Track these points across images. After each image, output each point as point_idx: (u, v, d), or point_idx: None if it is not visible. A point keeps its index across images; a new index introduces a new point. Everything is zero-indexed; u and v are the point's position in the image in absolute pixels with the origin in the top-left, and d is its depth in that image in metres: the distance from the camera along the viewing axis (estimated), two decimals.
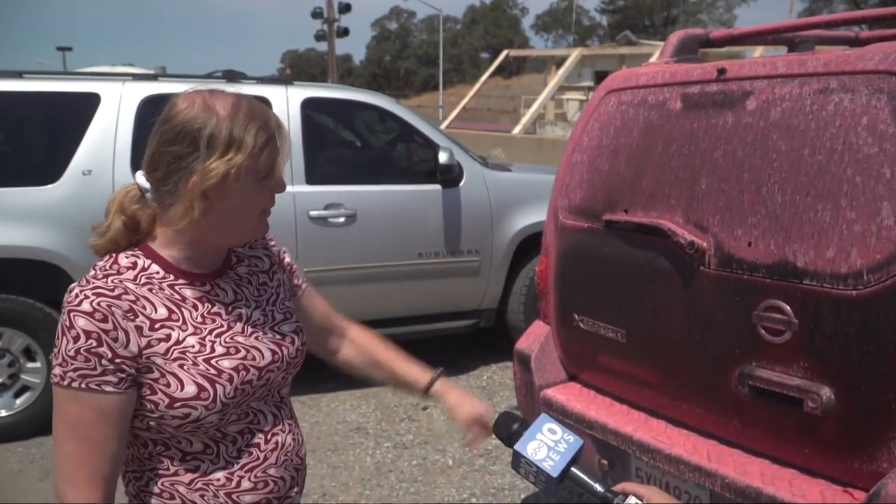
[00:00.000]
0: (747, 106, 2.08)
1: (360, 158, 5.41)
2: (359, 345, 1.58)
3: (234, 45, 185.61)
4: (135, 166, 4.00)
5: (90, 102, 4.03)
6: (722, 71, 2.19)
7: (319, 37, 28.41)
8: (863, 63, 1.86)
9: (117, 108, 4.04)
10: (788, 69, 2.03)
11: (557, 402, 2.58)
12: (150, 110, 4.07)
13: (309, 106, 4.50)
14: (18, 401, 3.96)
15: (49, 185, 3.89)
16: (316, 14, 27.57)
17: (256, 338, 1.28)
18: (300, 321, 1.40)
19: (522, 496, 3.41)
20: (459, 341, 5.48)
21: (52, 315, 3.93)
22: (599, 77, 23.21)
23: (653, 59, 2.98)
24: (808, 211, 1.87)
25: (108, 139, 4.00)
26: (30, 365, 3.96)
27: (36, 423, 3.95)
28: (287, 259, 1.47)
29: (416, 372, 1.54)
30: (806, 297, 1.86)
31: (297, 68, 68.59)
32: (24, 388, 3.97)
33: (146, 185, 1.20)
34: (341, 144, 5.46)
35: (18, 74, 4.07)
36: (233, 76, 4.56)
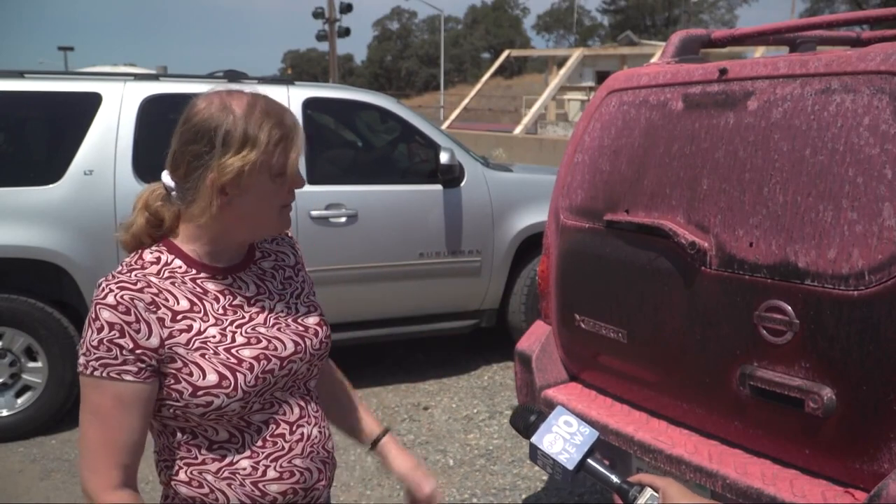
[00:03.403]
0: (749, 106, 2.08)
1: (361, 158, 5.40)
2: (328, 378, 1.56)
3: (235, 44, 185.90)
4: (136, 166, 4.01)
5: (92, 102, 4.03)
6: (723, 71, 2.18)
7: (321, 37, 28.43)
8: (864, 63, 1.86)
9: (119, 108, 4.04)
10: (790, 69, 2.02)
11: (558, 403, 2.57)
12: (152, 110, 4.07)
13: (310, 106, 4.50)
14: (20, 400, 3.96)
15: (50, 185, 3.89)
16: (317, 14, 27.60)
17: (279, 329, 1.31)
18: (325, 314, 1.42)
19: (523, 496, 3.40)
20: (460, 341, 5.47)
21: (53, 315, 3.94)
22: (601, 77, 23.22)
23: (654, 60, 2.97)
24: (809, 211, 1.87)
25: (109, 139, 4.00)
26: (31, 365, 3.97)
27: (37, 422, 3.96)
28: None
29: (370, 422, 1.57)
30: (807, 297, 1.86)
31: (298, 68, 68.62)
32: (26, 388, 3.98)
33: (171, 183, 1.25)
34: (343, 144, 5.46)
35: (20, 74, 4.07)
36: (234, 76, 4.55)
